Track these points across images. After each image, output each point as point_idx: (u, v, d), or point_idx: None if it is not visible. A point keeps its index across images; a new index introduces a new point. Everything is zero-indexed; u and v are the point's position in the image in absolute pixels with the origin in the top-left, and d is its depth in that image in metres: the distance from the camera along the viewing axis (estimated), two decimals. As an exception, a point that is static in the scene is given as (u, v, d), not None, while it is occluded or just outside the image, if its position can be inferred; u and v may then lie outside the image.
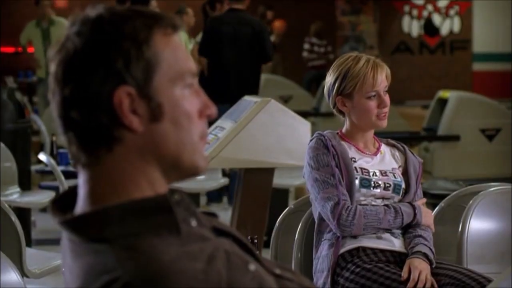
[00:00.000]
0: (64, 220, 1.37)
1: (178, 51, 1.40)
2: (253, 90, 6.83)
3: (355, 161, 3.02)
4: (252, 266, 1.39)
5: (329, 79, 3.07)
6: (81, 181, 1.39)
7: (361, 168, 3.00)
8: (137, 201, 1.35)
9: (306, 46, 14.10)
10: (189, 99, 1.40)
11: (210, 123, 5.37)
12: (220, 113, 5.88)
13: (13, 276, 2.63)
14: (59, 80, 1.37)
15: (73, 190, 1.44)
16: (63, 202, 1.43)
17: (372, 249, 2.94)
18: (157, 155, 1.38)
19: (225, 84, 6.92)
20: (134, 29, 1.36)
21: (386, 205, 2.98)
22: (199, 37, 8.24)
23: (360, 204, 2.96)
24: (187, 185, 5.72)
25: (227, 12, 7.18)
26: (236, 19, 7.03)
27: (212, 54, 6.98)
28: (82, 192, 1.39)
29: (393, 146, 3.15)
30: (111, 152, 1.36)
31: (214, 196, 7.42)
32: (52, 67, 1.38)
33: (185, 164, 1.40)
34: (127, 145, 1.36)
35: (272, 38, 13.12)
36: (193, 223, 1.39)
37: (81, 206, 1.39)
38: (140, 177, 1.38)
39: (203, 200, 7.35)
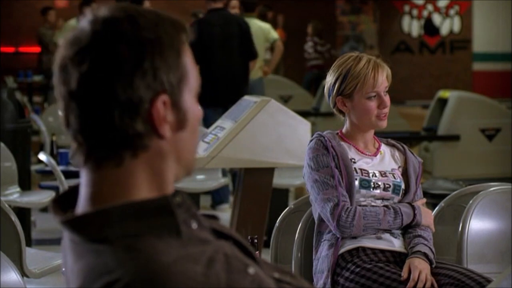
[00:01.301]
0: (66, 220, 1.36)
1: (191, 58, 1.41)
2: (245, 89, 6.79)
3: (354, 162, 3.01)
4: (252, 270, 1.39)
5: (330, 79, 3.06)
6: (87, 181, 1.38)
7: (361, 169, 3.00)
8: (138, 202, 1.35)
9: (310, 45, 14.08)
10: (197, 105, 1.42)
11: (210, 123, 5.37)
12: (214, 117, 5.86)
13: (13, 276, 2.62)
14: (104, 81, 1.33)
15: (74, 190, 1.43)
16: (64, 202, 1.43)
17: (372, 249, 2.94)
18: (177, 160, 1.39)
19: (219, 88, 6.84)
20: (171, 38, 1.36)
21: (386, 206, 2.97)
22: None
23: (360, 205, 2.96)
24: (187, 185, 5.73)
25: (210, 13, 7.07)
26: (222, 19, 6.97)
27: (204, 58, 6.83)
28: (86, 192, 1.38)
29: (393, 146, 3.15)
30: (135, 158, 1.36)
31: (219, 196, 7.36)
32: (89, 73, 1.34)
33: (192, 167, 1.43)
34: (152, 151, 1.37)
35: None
36: (194, 225, 1.39)
37: (83, 206, 1.39)
38: (155, 179, 1.38)
39: (203, 200, 7.34)
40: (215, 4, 7.01)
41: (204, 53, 6.81)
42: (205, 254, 1.34)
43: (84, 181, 1.39)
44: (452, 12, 17.44)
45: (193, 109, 1.41)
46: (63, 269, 1.44)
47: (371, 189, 2.98)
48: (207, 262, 1.32)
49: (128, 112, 1.34)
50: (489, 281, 2.75)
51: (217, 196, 7.31)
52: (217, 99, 6.70)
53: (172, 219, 1.35)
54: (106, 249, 1.31)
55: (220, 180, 6.41)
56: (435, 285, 2.85)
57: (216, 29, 6.88)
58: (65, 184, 4.78)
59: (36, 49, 11.89)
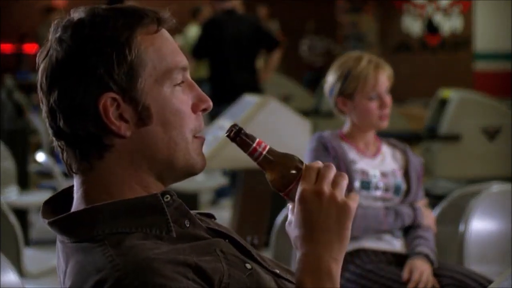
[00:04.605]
0: (53, 221, 1.35)
1: (163, 49, 1.37)
2: (257, 88, 6.89)
3: (355, 163, 2.99)
4: (249, 265, 1.38)
5: (330, 78, 3.04)
6: (76, 186, 1.38)
7: (362, 170, 2.98)
8: (128, 201, 1.34)
9: (306, 45, 14.07)
10: (179, 96, 1.37)
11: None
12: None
13: (11, 276, 2.61)
14: (44, 90, 1.35)
15: (68, 193, 1.43)
16: (58, 204, 1.42)
17: (372, 250, 2.92)
18: (149, 159, 1.36)
19: (230, 85, 6.93)
20: (115, 32, 1.33)
21: (387, 207, 2.95)
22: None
23: (361, 206, 2.94)
24: (185, 185, 5.71)
25: (223, 14, 7.16)
26: (235, 20, 7.03)
27: (216, 56, 6.98)
28: (76, 196, 1.38)
29: (394, 146, 3.13)
30: (102, 159, 1.35)
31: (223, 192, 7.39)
32: (38, 75, 1.36)
33: (179, 164, 1.38)
34: (117, 151, 1.34)
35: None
36: (186, 224, 1.37)
37: (74, 208, 1.38)
38: (133, 182, 1.36)
39: (203, 198, 7.33)
40: (227, 5, 7.06)
41: (215, 51, 6.91)
42: (199, 247, 1.33)
43: (74, 186, 1.40)
44: (454, 11, 17.44)
45: (164, 100, 1.36)
46: (58, 270, 1.43)
47: (372, 190, 2.96)
48: (202, 254, 1.31)
49: (75, 115, 1.32)
50: (490, 281, 2.74)
51: (220, 191, 7.34)
52: (230, 96, 6.77)
53: (163, 217, 1.34)
54: (95, 247, 1.30)
55: (220, 180, 6.41)
56: (437, 286, 2.83)
57: (228, 30, 6.95)
58: (63, 183, 4.77)
59: (36, 47, 11.92)
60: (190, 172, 1.40)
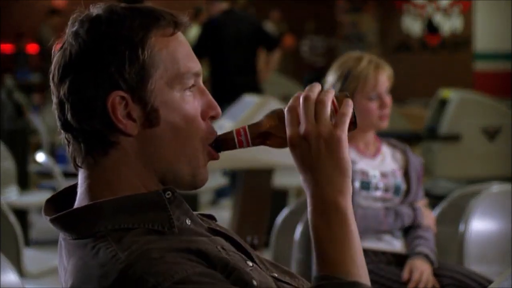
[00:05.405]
0: (55, 218, 1.36)
1: (177, 52, 1.37)
2: (257, 88, 6.90)
3: (355, 163, 2.98)
4: (250, 263, 1.38)
5: (330, 78, 3.04)
6: (80, 181, 1.39)
7: (361, 170, 2.97)
8: (130, 197, 1.34)
9: (307, 45, 14.07)
10: (190, 101, 1.37)
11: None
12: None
13: (11, 276, 2.61)
14: (55, 82, 1.35)
15: (71, 190, 1.43)
16: (61, 202, 1.42)
17: (372, 250, 2.92)
18: (154, 160, 1.36)
19: (230, 85, 6.94)
20: (130, 31, 1.33)
21: (387, 208, 2.95)
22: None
23: (361, 207, 2.93)
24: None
25: (223, 14, 7.16)
26: (235, 19, 7.03)
27: (216, 56, 6.98)
28: (80, 192, 1.38)
29: (394, 146, 3.13)
30: (106, 156, 1.35)
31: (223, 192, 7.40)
32: (51, 67, 1.37)
33: (183, 170, 1.38)
34: (123, 148, 1.35)
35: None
36: (187, 222, 1.37)
37: (77, 204, 1.38)
38: (137, 181, 1.36)
39: (203, 198, 7.33)
40: (227, 5, 7.06)
41: (216, 50, 6.92)
42: (200, 241, 1.33)
43: (78, 181, 1.40)
44: (454, 11, 17.44)
45: (173, 104, 1.35)
46: (59, 269, 1.43)
47: (372, 191, 2.96)
48: (204, 247, 1.31)
49: (83, 110, 1.33)
50: (490, 281, 2.74)
51: (220, 191, 7.34)
52: (230, 97, 6.78)
53: (165, 213, 1.34)
54: (97, 243, 1.30)
55: (220, 180, 6.41)
56: (437, 286, 2.83)
57: (229, 29, 6.94)
58: (63, 183, 4.77)
59: (35, 48, 11.93)
60: (193, 182, 1.39)
